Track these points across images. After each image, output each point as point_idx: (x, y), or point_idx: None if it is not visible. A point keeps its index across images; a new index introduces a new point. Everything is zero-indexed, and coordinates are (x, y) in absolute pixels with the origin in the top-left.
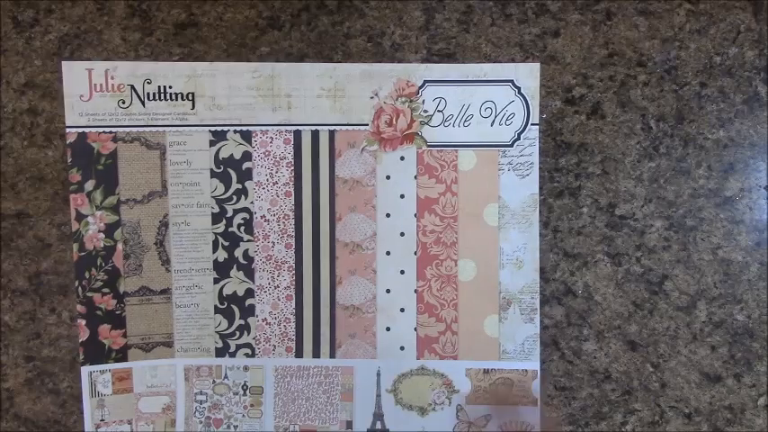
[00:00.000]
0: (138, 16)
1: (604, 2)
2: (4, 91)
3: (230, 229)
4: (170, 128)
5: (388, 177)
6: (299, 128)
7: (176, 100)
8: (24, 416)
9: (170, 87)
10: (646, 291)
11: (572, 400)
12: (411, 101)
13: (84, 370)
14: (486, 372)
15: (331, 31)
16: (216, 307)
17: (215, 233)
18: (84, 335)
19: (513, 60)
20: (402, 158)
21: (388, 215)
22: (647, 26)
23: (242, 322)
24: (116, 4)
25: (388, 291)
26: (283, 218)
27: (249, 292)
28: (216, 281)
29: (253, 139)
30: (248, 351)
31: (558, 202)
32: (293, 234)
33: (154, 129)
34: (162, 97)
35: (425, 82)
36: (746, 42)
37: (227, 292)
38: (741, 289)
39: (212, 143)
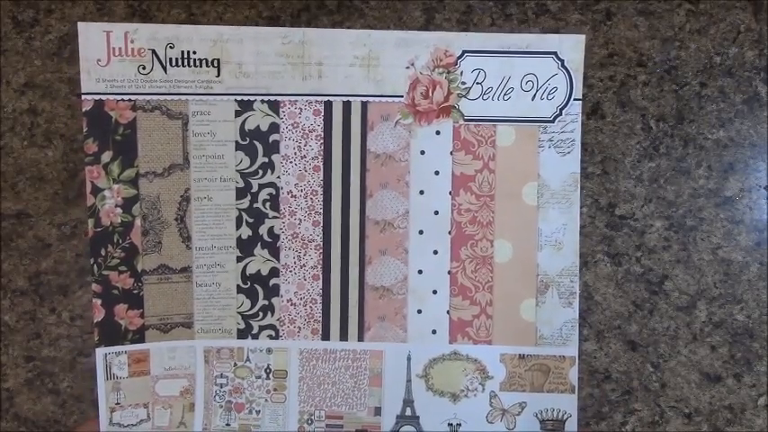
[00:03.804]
0: (138, 16)
1: (604, 2)
2: (4, 91)
3: (255, 205)
4: (193, 96)
5: (422, 153)
6: (330, 98)
7: (201, 66)
8: (24, 416)
9: (194, 53)
10: (646, 291)
11: None
12: (449, 72)
13: (99, 352)
14: (521, 357)
15: None
16: (238, 286)
17: (239, 209)
18: (99, 315)
19: None
20: (438, 133)
21: (421, 192)
22: (647, 26)
23: (266, 303)
24: (116, 4)
25: (420, 272)
26: (311, 194)
27: (274, 272)
28: (239, 259)
29: (281, 110)
30: (272, 333)
31: None
32: (321, 211)
33: (176, 97)
34: (185, 63)
35: (464, 52)
36: (746, 42)
37: (250, 270)
38: (741, 289)
39: (238, 113)
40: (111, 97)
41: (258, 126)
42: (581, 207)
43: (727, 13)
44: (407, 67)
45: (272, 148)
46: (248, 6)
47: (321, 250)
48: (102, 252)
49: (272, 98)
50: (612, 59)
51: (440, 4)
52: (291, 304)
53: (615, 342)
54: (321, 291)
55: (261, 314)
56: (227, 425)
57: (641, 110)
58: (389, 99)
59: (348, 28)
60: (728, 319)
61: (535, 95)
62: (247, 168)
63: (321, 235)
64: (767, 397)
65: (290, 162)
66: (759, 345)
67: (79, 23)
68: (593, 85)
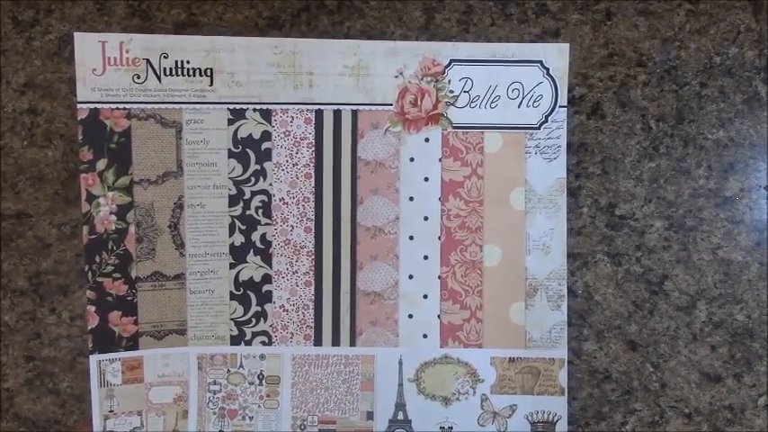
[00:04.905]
0: (138, 16)
1: (604, 2)
2: (4, 91)
3: (248, 212)
4: (187, 105)
5: (411, 160)
6: (321, 107)
7: (194, 76)
8: (24, 416)
9: (188, 62)
10: (646, 291)
11: (572, 401)
12: (437, 80)
13: (93, 359)
14: (511, 360)
15: (331, 31)
16: (231, 293)
17: (232, 216)
18: (93, 322)
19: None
20: (426, 140)
21: (411, 198)
22: (647, 26)
23: (258, 309)
24: (116, 4)
25: (410, 277)
26: (303, 200)
27: (266, 278)
28: (232, 266)
29: (272, 119)
30: (265, 339)
31: None
32: (313, 217)
33: (170, 106)
34: (179, 73)
35: (452, 61)
36: (746, 42)
37: (243, 277)
38: (741, 289)
39: (231, 122)
40: (106, 106)
41: (250, 134)
42: (581, 207)
43: (727, 13)
44: (396, 76)
45: (265, 155)
46: (248, 6)
47: (313, 256)
48: (97, 259)
49: (264, 107)
50: (612, 59)
51: (440, 4)
52: (284, 310)
53: (615, 342)
54: (313, 297)
55: (254, 320)
56: (221, 431)
57: (641, 110)
58: (379, 107)
59: (348, 28)
60: (728, 319)
61: (521, 103)
62: (240, 176)
63: (313, 241)
64: (767, 397)
65: (282, 170)
66: (759, 345)
67: (75, 33)
68: (593, 85)
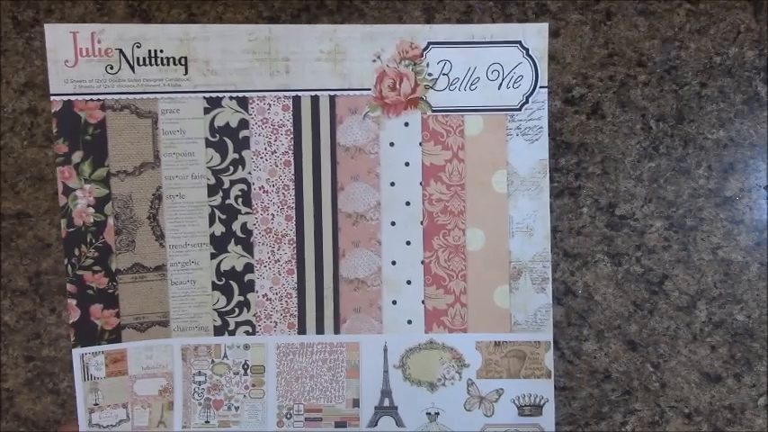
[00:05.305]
0: (138, 16)
1: (604, 2)
2: (4, 91)
3: (227, 202)
4: (162, 94)
5: (391, 144)
6: (298, 93)
7: (168, 65)
8: (24, 416)
9: (161, 51)
10: (646, 291)
11: (572, 400)
12: (415, 64)
13: (76, 352)
14: (497, 344)
15: None
16: (213, 283)
17: (211, 206)
18: (74, 315)
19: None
20: (406, 124)
21: (392, 184)
22: (647, 26)
23: (241, 299)
24: (116, 4)
25: (393, 263)
26: (283, 188)
27: (248, 267)
28: (213, 256)
29: (249, 106)
30: (248, 329)
31: (557, 202)
32: (293, 205)
33: (144, 96)
34: (153, 62)
35: (430, 44)
36: (746, 42)
37: (224, 267)
38: (741, 289)
39: (207, 110)
40: (79, 98)
41: (228, 123)
42: (581, 207)
43: (727, 13)
44: (374, 61)
45: (243, 144)
46: (248, 6)
47: (295, 244)
48: (76, 252)
49: (241, 95)
50: (612, 59)
51: (440, 4)
52: (267, 299)
53: (615, 342)
54: (296, 285)
55: (237, 310)
56: (207, 422)
57: (641, 110)
58: (357, 92)
59: None
60: (728, 319)
61: (501, 84)
62: (218, 165)
63: (294, 229)
64: (767, 397)
65: (261, 158)
66: (759, 345)
67: (46, 25)
68: (593, 85)
